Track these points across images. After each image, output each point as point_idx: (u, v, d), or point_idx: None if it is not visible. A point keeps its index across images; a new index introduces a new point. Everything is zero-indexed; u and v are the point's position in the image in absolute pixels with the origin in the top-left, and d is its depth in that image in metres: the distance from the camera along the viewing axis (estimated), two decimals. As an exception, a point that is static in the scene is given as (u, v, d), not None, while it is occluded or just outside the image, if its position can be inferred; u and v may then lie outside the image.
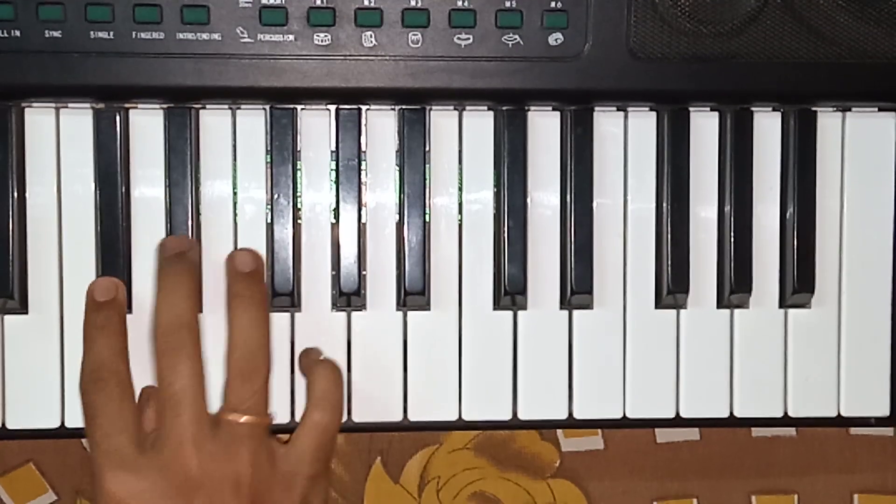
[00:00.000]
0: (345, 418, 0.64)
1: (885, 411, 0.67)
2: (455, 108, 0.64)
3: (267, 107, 0.63)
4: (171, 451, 0.57)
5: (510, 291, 0.64)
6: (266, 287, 0.62)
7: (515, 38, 0.62)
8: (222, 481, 0.57)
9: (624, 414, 0.66)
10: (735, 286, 0.65)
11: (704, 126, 0.65)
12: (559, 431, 0.75)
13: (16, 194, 0.62)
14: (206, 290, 0.63)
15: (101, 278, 0.62)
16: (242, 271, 0.61)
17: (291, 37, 0.61)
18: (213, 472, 0.57)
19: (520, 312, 0.65)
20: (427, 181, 0.64)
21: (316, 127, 0.64)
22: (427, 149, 0.64)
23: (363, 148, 0.64)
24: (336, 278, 0.64)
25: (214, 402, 0.59)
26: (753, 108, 0.65)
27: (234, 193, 0.64)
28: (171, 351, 0.58)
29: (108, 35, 0.60)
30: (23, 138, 0.62)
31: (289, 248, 0.63)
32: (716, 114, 0.66)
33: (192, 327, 0.58)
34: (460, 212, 0.65)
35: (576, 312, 0.65)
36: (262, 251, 0.63)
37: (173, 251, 0.61)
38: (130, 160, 0.63)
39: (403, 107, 0.64)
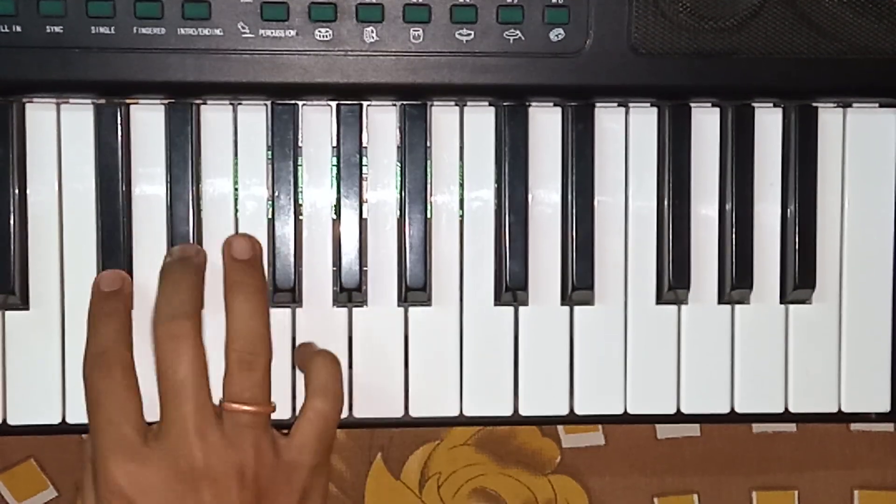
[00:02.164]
0: (346, 414, 0.64)
1: (885, 407, 0.67)
2: (456, 104, 0.64)
3: (268, 102, 0.63)
4: (174, 441, 0.57)
5: (511, 287, 0.64)
6: (264, 274, 0.62)
7: (517, 34, 0.62)
8: (226, 471, 0.57)
9: (625, 410, 0.66)
10: (736, 282, 0.65)
11: (705, 122, 0.65)
12: (560, 427, 0.75)
13: (17, 190, 0.62)
14: (208, 289, 0.63)
15: (108, 271, 0.62)
16: (240, 258, 0.61)
17: (293, 32, 0.61)
18: (217, 461, 0.57)
19: (521, 308, 0.65)
20: (428, 177, 0.64)
21: (317, 123, 0.64)
22: (428, 144, 0.64)
23: (364, 144, 0.64)
24: (337, 274, 0.64)
25: (217, 398, 0.59)
26: (754, 104, 0.65)
27: (236, 189, 0.64)
28: (173, 340, 0.57)
29: (109, 30, 0.60)
30: (24, 134, 0.62)
31: (290, 245, 0.63)
32: (717, 110, 0.66)
33: (194, 318, 0.58)
34: (461, 208, 0.65)
35: (577, 308, 0.65)
36: (264, 247, 0.63)
37: (178, 256, 0.61)
38: (131, 156, 0.63)
39: (404, 102, 0.64)
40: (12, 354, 0.62)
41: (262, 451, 0.58)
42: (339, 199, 0.64)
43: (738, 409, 0.66)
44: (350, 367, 0.64)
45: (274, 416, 0.63)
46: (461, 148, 0.65)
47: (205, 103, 0.63)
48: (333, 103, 0.64)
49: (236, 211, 0.63)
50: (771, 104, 0.66)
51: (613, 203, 0.65)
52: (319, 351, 0.63)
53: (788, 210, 0.66)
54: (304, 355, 0.63)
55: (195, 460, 0.56)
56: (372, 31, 0.61)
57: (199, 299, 0.60)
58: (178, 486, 0.56)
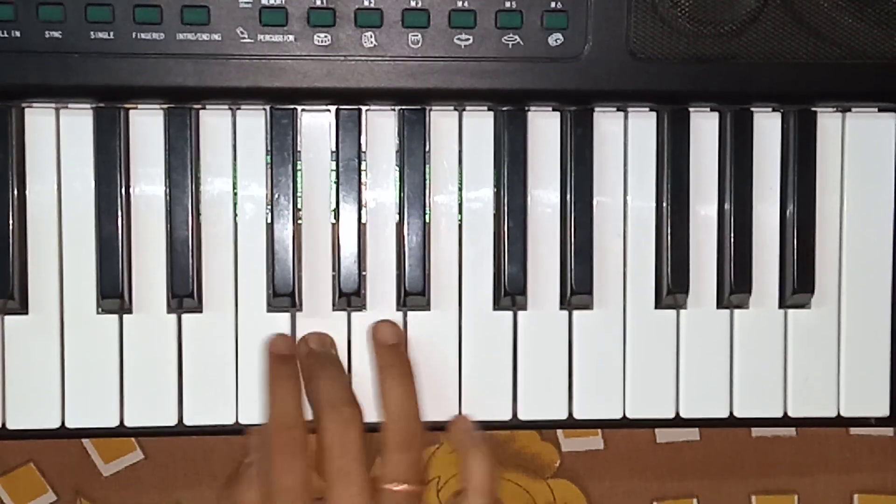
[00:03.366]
0: (345, 418, 0.64)
1: (884, 411, 0.67)
2: (455, 109, 0.64)
3: (267, 107, 0.63)
4: None
5: (510, 292, 0.64)
6: (409, 357, 0.63)
7: (515, 39, 0.62)
8: None
9: (624, 414, 0.66)
10: (735, 286, 0.65)
11: (704, 126, 0.65)
12: (559, 431, 0.75)
13: (16, 194, 0.62)
14: (207, 289, 0.63)
15: (279, 335, 0.63)
16: (387, 343, 0.63)
17: (291, 37, 0.61)
18: None
19: (520, 312, 0.65)
20: (427, 181, 0.64)
21: (316, 127, 0.64)
22: (427, 149, 0.64)
23: (363, 148, 0.64)
24: (336, 278, 0.64)
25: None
26: (753, 109, 0.65)
27: (235, 193, 0.64)
28: (343, 425, 0.59)
29: (109, 35, 0.60)
30: (23, 138, 0.62)
31: (289, 249, 0.63)
32: (716, 114, 0.66)
33: (356, 406, 0.60)
34: (460, 212, 0.65)
35: (576, 312, 0.65)
36: (262, 251, 0.63)
37: (319, 345, 0.64)
38: (130, 160, 0.63)
39: (403, 107, 0.64)
40: (12, 359, 0.62)
41: None
42: (338, 204, 0.64)
43: (737, 414, 0.66)
44: (349, 371, 0.64)
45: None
46: (460, 152, 0.65)
47: (204, 108, 0.63)
48: (332, 108, 0.64)
49: (235, 215, 0.64)
50: (770, 109, 0.66)
51: (612, 207, 0.65)
52: (476, 446, 0.62)
53: (787, 214, 0.66)
54: (461, 439, 0.63)
55: None
56: (371, 36, 0.61)
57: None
58: None
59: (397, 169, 0.64)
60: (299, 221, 0.64)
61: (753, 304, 0.66)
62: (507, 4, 0.61)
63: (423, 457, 0.61)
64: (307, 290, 0.64)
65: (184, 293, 0.62)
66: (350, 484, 0.58)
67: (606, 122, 0.65)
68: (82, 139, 0.62)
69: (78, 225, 0.63)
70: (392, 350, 0.63)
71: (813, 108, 0.66)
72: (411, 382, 0.62)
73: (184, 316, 0.63)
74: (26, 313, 0.63)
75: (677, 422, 0.66)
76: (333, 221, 0.64)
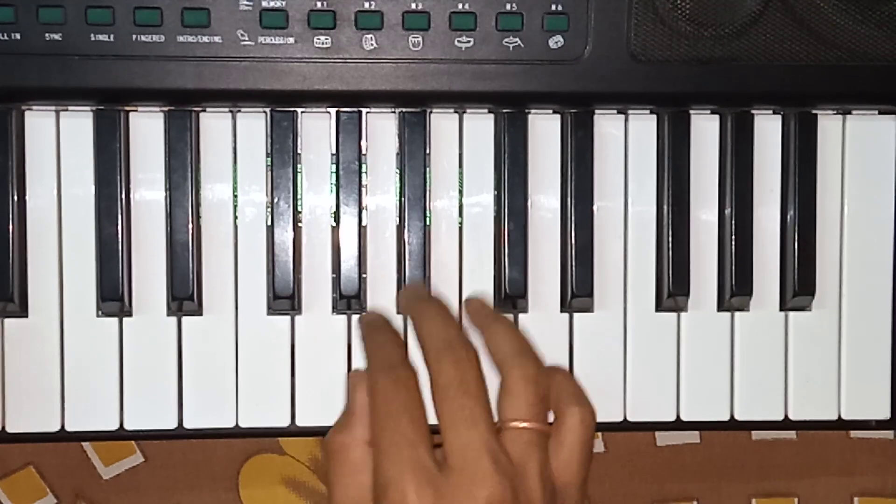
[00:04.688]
0: (345, 421, 0.64)
1: (885, 414, 0.67)
2: (455, 111, 0.64)
3: (267, 109, 0.63)
4: (470, 470, 0.53)
5: (511, 295, 0.64)
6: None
7: (516, 41, 0.62)
8: (517, 497, 0.54)
9: (624, 417, 0.66)
10: (736, 289, 0.65)
11: (705, 129, 0.65)
12: (559, 434, 0.74)
13: (16, 197, 0.62)
14: (207, 292, 0.63)
15: (369, 312, 0.64)
16: (482, 311, 0.62)
17: (292, 39, 0.61)
18: (510, 490, 0.54)
19: (520, 315, 0.65)
20: (427, 184, 0.64)
21: (316, 130, 0.64)
22: (427, 151, 0.64)
23: (363, 151, 0.64)
24: (336, 281, 0.64)
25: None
26: (754, 111, 0.65)
27: (235, 196, 0.64)
28: (451, 364, 0.56)
29: (109, 38, 0.60)
30: (23, 141, 0.62)
31: (289, 251, 0.63)
32: (716, 116, 0.66)
33: (468, 344, 0.57)
34: (461, 215, 0.65)
35: (576, 315, 0.65)
36: (263, 254, 0.63)
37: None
38: (130, 163, 0.63)
39: (404, 109, 0.64)
40: (11, 362, 0.62)
41: (547, 476, 0.56)
42: (338, 206, 0.64)
43: (737, 417, 0.66)
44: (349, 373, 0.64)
45: (275, 423, 0.63)
46: (460, 155, 0.65)
47: (204, 110, 0.63)
48: (333, 110, 0.64)
49: (235, 217, 0.63)
50: (770, 111, 0.66)
51: (613, 210, 0.65)
52: (554, 367, 0.61)
53: (788, 217, 0.66)
54: (479, 319, 0.62)
55: (493, 491, 0.53)
56: (371, 39, 0.61)
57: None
58: None
59: (397, 171, 0.64)
60: (299, 224, 0.64)
61: (754, 307, 0.66)
62: (508, 7, 0.61)
63: (548, 395, 0.58)
64: (307, 293, 0.64)
65: (184, 296, 0.62)
66: (475, 423, 0.54)
67: (607, 124, 0.65)
68: (82, 141, 0.62)
69: (78, 227, 0.63)
70: (491, 312, 0.62)
71: (813, 111, 0.66)
72: (518, 330, 0.60)
73: (184, 319, 0.63)
74: (26, 316, 0.63)
75: (678, 424, 0.66)
76: (334, 224, 0.64)
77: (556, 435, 0.57)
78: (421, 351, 0.58)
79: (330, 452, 0.57)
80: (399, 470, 0.54)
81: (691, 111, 0.65)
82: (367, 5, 0.61)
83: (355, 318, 0.64)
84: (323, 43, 0.61)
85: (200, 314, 0.63)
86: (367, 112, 0.64)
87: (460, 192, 0.65)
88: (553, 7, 0.62)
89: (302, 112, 0.64)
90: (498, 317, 0.62)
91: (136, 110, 0.63)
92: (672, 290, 0.65)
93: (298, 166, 0.64)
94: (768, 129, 0.66)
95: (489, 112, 0.64)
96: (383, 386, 0.56)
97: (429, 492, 0.53)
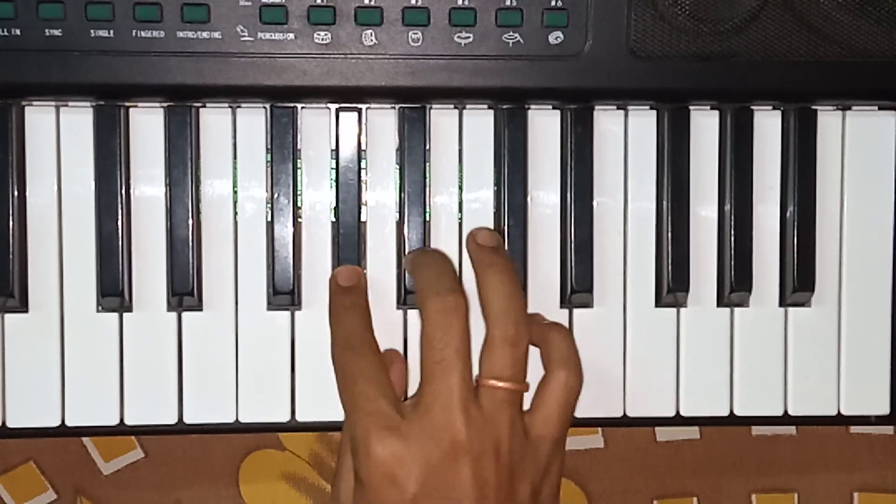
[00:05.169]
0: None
1: (885, 410, 0.67)
2: (455, 107, 0.64)
3: (267, 105, 0.63)
4: (438, 415, 0.57)
5: (510, 290, 0.64)
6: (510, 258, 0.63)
7: (516, 37, 0.62)
8: (485, 446, 0.57)
9: (624, 412, 0.66)
10: (735, 285, 0.65)
11: (704, 125, 0.65)
12: (559, 430, 0.74)
13: (16, 193, 0.62)
14: (207, 287, 0.63)
15: (344, 267, 0.63)
16: (487, 245, 0.62)
17: (292, 35, 0.61)
18: (477, 436, 0.57)
19: (520, 311, 0.65)
20: (427, 180, 0.64)
21: (316, 125, 0.64)
22: (427, 147, 0.64)
23: (363, 146, 0.64)
24: (336, 277, 0.64)
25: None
26: (753, 107, 0.65)
27: (235, 192, 0.64)
28: (445, 314, 0.58)
29: (109, 33, 0.60)
30: (23, 137, 0.62)
31: (289, 247, 0.63)
32: (716, 112, 0.66)
33: (462, 294, 0.59)
34: (460, 210, 0.65)
35: (576, 311, 0.65)
36: (262, 250, 0.63)
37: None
38: (131, 159, 0.63)
39: (403, 105, 0.64)
40: (12, 357, 0.62)
41: (517, 429, 0.58)
42: (338, 202, 0.64)
43: (737, 412, 0.66)
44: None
45: (275, 418, 0.63)
46: (460, 151, 0.65)
47: (204, 106, 0.63)
48: (333, 106, 0.64)
49: (235, 213, 0.64)
50: (770, 107, 0.66)
51: (613, 206, 0.65)
52: (553, 324, 0.63)
53: (788, 213, 0.66)
54: (537, 329, 0.63)
55: (458, 434, 0.57)
56: (371, 34, 0.61)
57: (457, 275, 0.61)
58: (438, 459, 0.56)
59: (397, 167, 0.64)
60: (299, 219, 0.64)
61: (754, 303, 0.66)
62: (508, 2, 0.61)
63: (526, 355, 0.60)
64: (307, 289, 0.64)
65: (184, 291, 0.62)
66: (451, 374, 0.57)
67: (607, 120, 0.65)
68: (82, 137, 0.62)
69: (78, 223, 0.63)
70: (492, 249, 0.62)
71: (813, 107, 0.66)
72: (515, 280, 0.61)
73: (184, 314, 0.63)
74: (26, 311, 0.63)
75: (677, 420, 0.66)
76: (333, 220, 0.64)
77: (540, 393, 0.60)
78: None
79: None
80: (361, 428, 0.57)
81: (691, 107, 0.65)
82: (366, 1, 0.61)
83: (355, 313, 0.64)
84: (323, 39, 0.61)
85: (200, 310, 0.63)
86: (367, 108, 0.64)
87: (460, 187, 0.65)
88: (553, 3, 0.62)
89: (302, 108, 0.64)
90: (493, 260, 0.61)
91: (136, 106, 0.63)
92: (672, 286, 0.65)
93: (298, 162, 0.64)
94: (768, 125, 0.66)
95: (489, 108, 0.64)
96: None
97: (392, 441, 0.56)
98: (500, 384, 0.58)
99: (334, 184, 0.64)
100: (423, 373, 0.58)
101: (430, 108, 0.64)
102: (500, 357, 0.59)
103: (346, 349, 0.60)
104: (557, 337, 0.62)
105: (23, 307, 0.63)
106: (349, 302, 0.62)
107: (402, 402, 0.60)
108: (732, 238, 0.65)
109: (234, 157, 0.64)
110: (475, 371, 0.59)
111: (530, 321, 0.62)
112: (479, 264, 0.62)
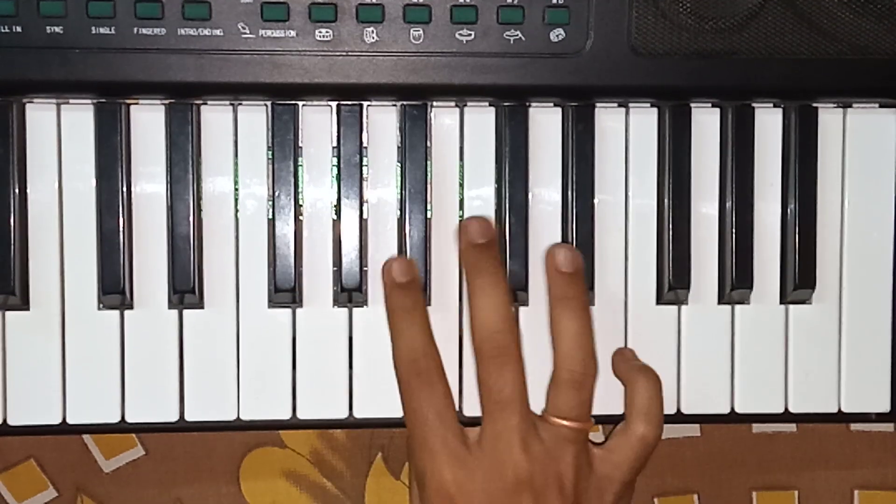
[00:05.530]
0: (346, 414, 0.64)
1: (885, 407, 0.67)
2: (456, 105, 0.64)
3: (268, 103, 0.63)
4: (501, 452, 0.58)
5: (512, 287, 0.64)
6: (586, 289, 0.62)
7: (517, 34, 0.62)
8: (547, 482, 0.58)
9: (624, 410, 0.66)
10: (736, 282, 0.65)
11: (706, 122, 0.65)
12: (560, 427, 0.75)
13: (17, 190, 0.62)
14: (208, 285, 0.63)
15: (395, 259, 0.61)
16: (564, 271, 0.61)
17: (293, 32, 0.61)
18: (539, 472, 0.58)
19: (521, 308, 0.65)
20: (428, 177, 0.64)
21: (317, 123, 0.64)
22: (428, 145, 0.64)
23: (364, 144, 0.64)
24: (338, 274, 0.64)
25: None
26: (754, 105, 0.65)
27: (236, 189, 0.64)
28: (500, 355, 0.59)
29: (110, 31, 0.60)
30: (24, 134, 0.62)
31: (290, 245, 0.63)
32: (717, 110, 0.66)
33: (515, 333, 0.60)
34: (461, 208, 0.65)
35: (577, 308, 0.65)
36: (264, 247, 0.63)
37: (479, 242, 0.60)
38: (132, 156, 0.63)
39: (405, 103, 0.64)
40: (12, 355, 0.62)
41: (581, 465, 0.60)
42: (339, 200, 0.64)
43: (738, 410, 0.66)
44: (350, 367, 0.64)
45: (276, 416, 0.63)
46: (461, 148, 0.65)
47: (205, 103, 0.63)
48: (334, 103, 0.64)
49: (236, 211, 0.64)
50: (771, 104, 0.66)
51: (613, 203, 0.65)
52: (642, 368, 0.63)
53: (788, 210, 0.66)
54: (626, 368, 0.63)
55: (520, 470, 0.58)
56: (372, 32, 0.61)
57: (512, 313, 0.61)
58: (501, 493, 0.58)
59: (398, 165, 0.64)
60: (300, 217, 0.64)
61: (754, 300, 0.66)
62: (509, 0, 0.61)
63: (592, 394, 0.61)
64: (308, 286, 0.64)
65: (185, 288, 0.62)
66: (510, 415, 0.58)
67: (608, 117, 0.65)
68: (83, 135, 0.62)
69: (79, 220, 0.63)
70: (570, 279, 0.61)
71: (814, 104, 0.66)
72: (587, 316, 0.61)
73: (185, 311, 0.63)
74: (27, 309, 0.63)
75: (678, 417, 0.66)
76: (335, 217, 0.64)
77: (616, 437, 0.62)
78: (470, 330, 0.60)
79: None
80: (428, 457, 0.59)
81: (692, 104, 0.65)
82: (368, -2, 0.61)
83: (357, 311, 0.64)
84: (324, 36, 0.61)
85: (202, 307, 0.63)
86: (368, 105, 0.64)
87: (461, 185, 0.65)
88: (554, 0, 0.62)
89: (303, 105, 0.64)
90: (568, 292, 0.61)
91: (137, 103, 0.63)
92: (672, 283, 0.65)
93: (299, 159, 0.64)
94: (769, 122, 0.66)
95: (490, 105, 0.64)
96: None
97: (459, 472, 0.58)
98: (565, 423, 0.60)
99: (335, 181, 0.64)
100: (484, 411, 0.60)
101: (432, 105, 0.64)
102: (565, 398, 0.60)
103: (413, 375, 0.60)
104: (644, 385, 0.62)
105: (24, 305, 0.62)
106: (410, 303, 0.61)
107: (467, 436, 0.60)
108: (733, 235, 0.65)
109: (236, 155, 0.64)
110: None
111: (620, 359, 0.63)
112: (554, 294, 0.61)
